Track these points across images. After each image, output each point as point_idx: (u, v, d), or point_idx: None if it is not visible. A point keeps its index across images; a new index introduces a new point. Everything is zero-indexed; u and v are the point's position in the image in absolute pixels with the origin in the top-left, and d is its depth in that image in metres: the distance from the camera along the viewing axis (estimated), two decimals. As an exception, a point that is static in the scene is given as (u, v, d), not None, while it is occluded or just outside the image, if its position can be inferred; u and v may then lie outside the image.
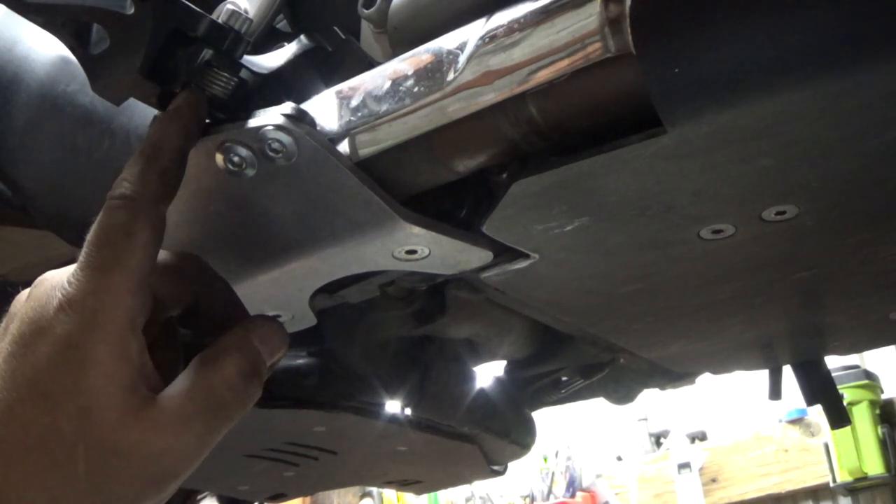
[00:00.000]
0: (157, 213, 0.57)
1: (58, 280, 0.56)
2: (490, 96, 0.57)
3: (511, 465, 1.30)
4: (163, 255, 0.59)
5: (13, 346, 0.54)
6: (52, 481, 0.52)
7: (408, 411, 1.04)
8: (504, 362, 1.15)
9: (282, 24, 0.82)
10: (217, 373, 0.56)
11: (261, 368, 0.59)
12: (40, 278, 0.57)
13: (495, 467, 1.25)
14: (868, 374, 3.37)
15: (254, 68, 0.67)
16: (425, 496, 4.13)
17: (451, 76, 0.58)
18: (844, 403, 1.31)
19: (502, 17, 0.57)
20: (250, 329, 0.59)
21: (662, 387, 1.22)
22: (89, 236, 0.56)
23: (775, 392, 1.21)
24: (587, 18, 0.53)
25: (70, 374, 0.53)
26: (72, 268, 0.56)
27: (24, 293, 0.57)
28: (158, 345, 0.59)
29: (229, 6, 0.63)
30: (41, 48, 0.86)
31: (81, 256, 0.56)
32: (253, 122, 0.60)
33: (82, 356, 0.53)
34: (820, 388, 1.16)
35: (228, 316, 0.62)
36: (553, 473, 4.10)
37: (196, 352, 0.59)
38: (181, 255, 0.62)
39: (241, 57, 0.64)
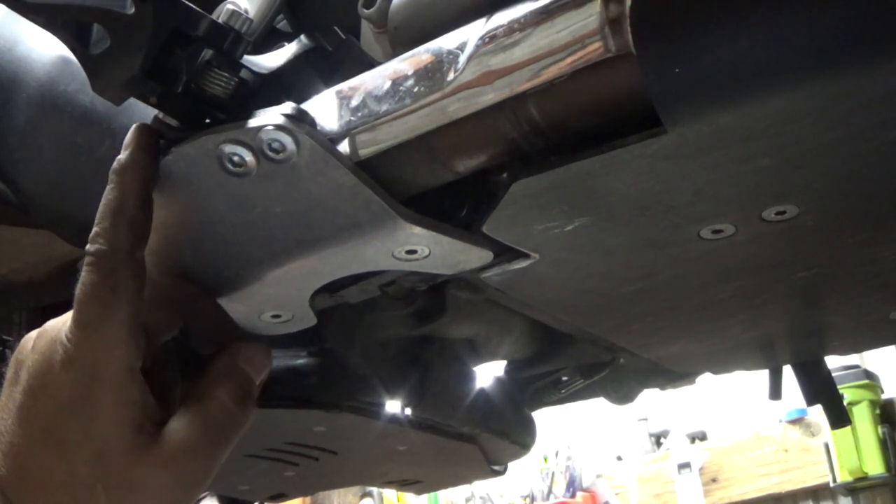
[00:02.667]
0: (135, 261, 0.61)
1: (57, 334, 0.60)
2: (490, 96, 0.57)
3: (511, 465, 1.30)
4: (149, 287, 0.62)
5: (24, 398, 0.59)
6: None
7: (408, 411, 1.04)
8: (504, 362, 1.15)
9: (282, 24, 0.82)
10: (213, 402, 0.61)
11: (251, 389, 0.64)
12: (43, 329, 0.62)
13: (495, 467, 1.25)
14: (868, 374, 3.37)
15: (254, 68, 0.67)
16: (425, 496, 4.12)
17: (451, 76, 0.58)
18: (844, 403, 1.31)
19: (502, 17, 0.57)
20: (235, 354, 0.64)
21: (662, 387, 1.22)
22: (77, 293, 0.60)
23: (775, 392, 1.21)
24: (587, 18, 0.53)
25: (81, 424, 0.58)
26: (68, 321, 0.60)
27: (30, 341, 0.61)
28: (155, 369, 0.63)
29: (229, 6, 0.63)
30: (41, 48, 0.86)
31: (74, 313, 0.59)
32: (253, 122, 0.60)
33: (90, 408, 0.58)
34: (820, 388, 1.16)
35: (218, 331, 0.66)
36: (553, 473, 4.10)
37: (192, 365, 0.64)
38: (167, 284, 0.65)
39: (241, 57, 0.64)
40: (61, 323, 0.60)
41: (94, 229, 0.61)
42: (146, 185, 0.62)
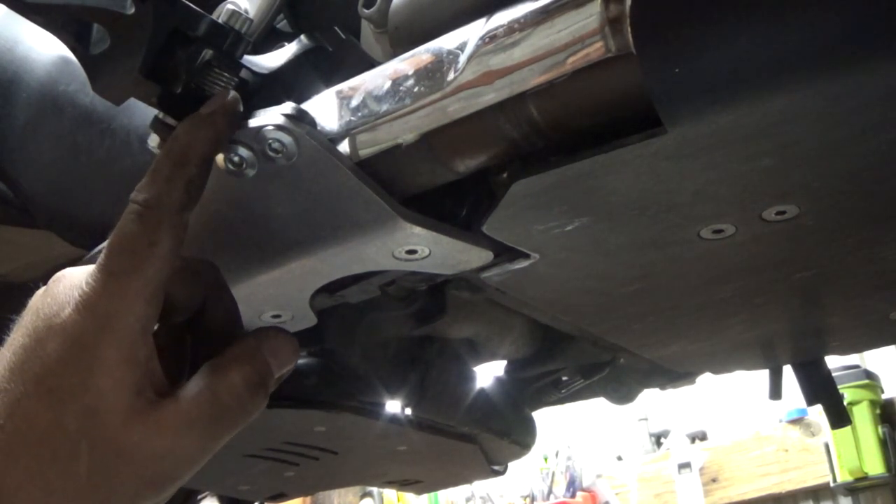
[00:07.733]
0: (181, 222, 0.58)
1: (76, 280, 0.56)
2: (490, 96, 0.57)
3: (511, 465, 1.30)
4: (181, 259, 0.59)
5: (25, 339, 0.55)
6: (51, 476, 0.53)
7: (408, 411, 1.04)
8: (504, 362, 1.15)
9: (282, 24, 0.82)
10: (224, 381, 0.57)
11: (267, 380, 0.59)
12: (59, 274, 0.58)
13: (496, 467, 1.25)
14: (868, 374, 3.36)
15: (254, 68, 0.67)
16: (425, 496, 4.13)
17: (451, 76, 0.58)
18: (845, 403, 1.31)
19: (502, 17, 0.57)
20: (262, 340, 0.60)
21: (662, 387, 1.22)
22: (111, 239, 0.56)
23: (775, 392, 1.21)
24: (587, 18, 0.53)
25: (78, 374, 0.54)
26: (90, 268, 0.57)
27: (42, 288, 0.58)
28: (168, 348, 0.59)
29: (229, 6, 0.63)
30: (41, 48, 0.86)
31: (101, 258, 0.56)
32: (253, 122, 0.60)
33: (92, 357, 0.54)
34: (820, 388, 1.16)
35: (227, 329, 0.62)
36: (553, 473, 4.10)
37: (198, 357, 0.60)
38: (198, 262, 0.62)
39: (241, 57, 0.64)
40: (82, 271, 0.57)
41: (147, 179, 0.57)
42: (214, 150, 0.60)
